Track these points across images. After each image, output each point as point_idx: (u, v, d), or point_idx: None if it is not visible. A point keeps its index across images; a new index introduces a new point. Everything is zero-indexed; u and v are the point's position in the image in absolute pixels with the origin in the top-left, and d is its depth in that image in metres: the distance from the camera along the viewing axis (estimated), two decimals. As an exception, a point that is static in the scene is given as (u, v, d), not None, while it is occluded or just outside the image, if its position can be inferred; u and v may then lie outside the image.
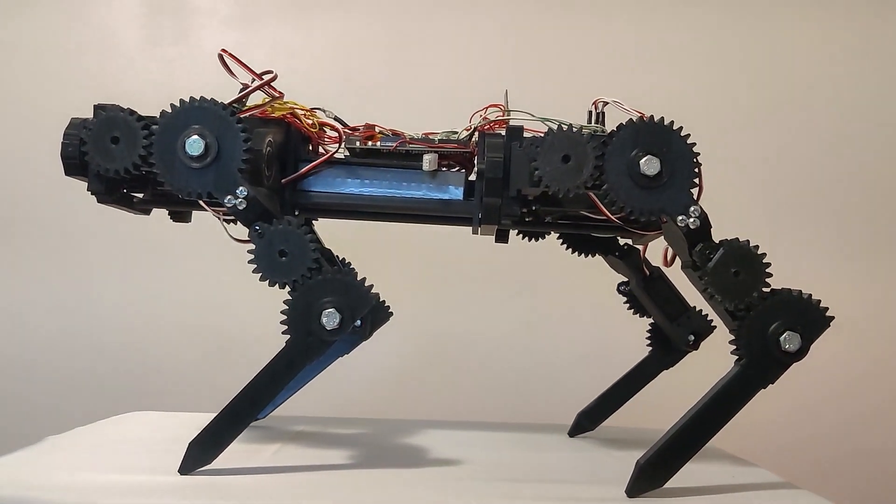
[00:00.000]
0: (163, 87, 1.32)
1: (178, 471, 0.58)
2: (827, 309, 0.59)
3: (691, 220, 0.58)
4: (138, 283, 1.29)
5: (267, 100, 0.66)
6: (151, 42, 1.35)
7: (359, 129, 0.70)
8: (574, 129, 0.58)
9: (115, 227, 1.21)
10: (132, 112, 0.59)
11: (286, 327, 0.59)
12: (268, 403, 0.61)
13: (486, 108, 0.70)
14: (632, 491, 0.58)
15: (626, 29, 1.32)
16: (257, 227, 0.57)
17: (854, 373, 1.27)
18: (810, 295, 0.59)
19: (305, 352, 0.59)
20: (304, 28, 1.35)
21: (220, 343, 1.29)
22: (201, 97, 0.58)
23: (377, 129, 0.69)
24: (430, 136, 0.69)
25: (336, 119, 0.71)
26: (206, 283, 1.28)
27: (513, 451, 0.75)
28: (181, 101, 0.58)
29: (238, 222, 0.61)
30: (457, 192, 0.67)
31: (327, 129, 0.70)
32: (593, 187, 0.58)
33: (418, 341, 1.26)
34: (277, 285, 0.58)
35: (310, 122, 0.68)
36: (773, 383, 0.59)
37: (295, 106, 0.67)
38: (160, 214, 0.72)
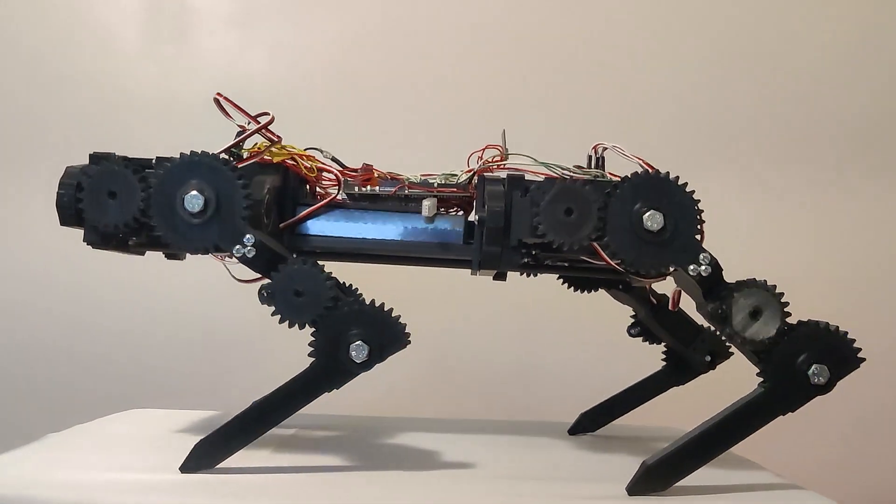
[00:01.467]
0: (162, 87, 1.32)
1: (180, 469, 0.58)
2: (860, 350, 0.59)
3: (703, 267, 0.58)
4: (138, 279, 1.28)
5: (264, 143, 0.66)
6: (150, 41, 1.35)
7: (356, 171, 0.69)
8: (576, 180, 0.58)
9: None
10: (131, 166, 0.58)
11: (312, 349, 0.58)
12: (280, 421, 0.60)
13: (484, 148, 0.70)
14: (633, 489, 0.58)
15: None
16: (265, 292, 0.57)
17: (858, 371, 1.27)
18: (845, 331, 0.60)
19: (327, 378, 0.58)
20: (303, 27, 1.35)
21: (221, 341, 1.28)
22: (193, 152, 0.58)
23: (375, 173, 0.68)
24: (429, 179, 0.68)
25: (333, 160, 0.70)
26: (206, 279, 1.27)
27: (513, 448, 0.75)
28: (171, 160, 0.57)
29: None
30: (456, 236, 0.67)
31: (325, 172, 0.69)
32: (596, 238, 0.58)
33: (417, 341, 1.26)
34: (300, 325, 0.58)
35: (307, 164, 0.67)
36: (793, 411, 0.60)
37: (292, 150, 0.66)
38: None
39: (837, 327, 0.60)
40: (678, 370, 0.80)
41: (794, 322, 0.59)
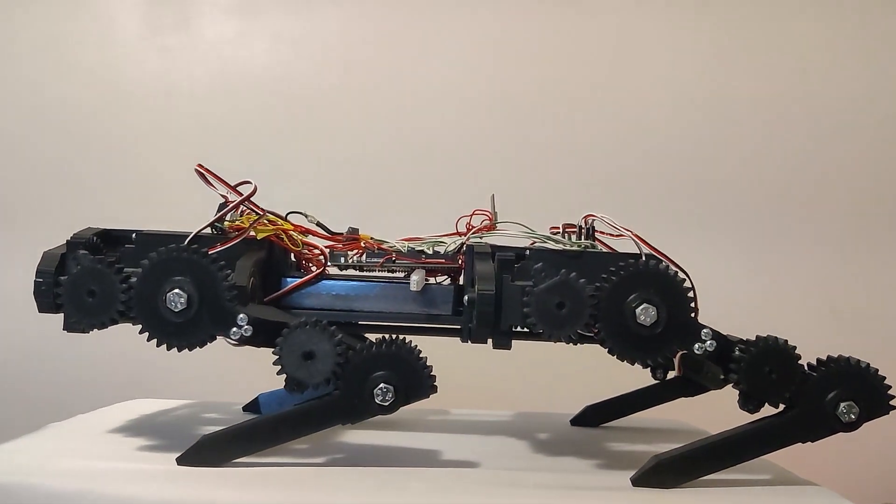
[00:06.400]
0: (162, 77, 1.32)
1: (177, 460, 0.57)
2: (893, 397, 0.59)
3: (707, 343, 0.58)
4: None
5: (246, 213, 0.64)
6: (151, 31, 1.34)
7: (342, 236, 0.68)
8: (571, 275, 0.56)
9: (116, 215, 1.21)
10: (112, 270, 0.56)
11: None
12: (289, 441, 0.59)
13: (472, 214, 0.69)
14: (638, 481, 0.58)
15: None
16: (294, 385, 0.55)
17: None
18: (877, 370, 0.59)
19: (347, 412, 0.57)
20: (304, 18, 1.34)
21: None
22: (170, 247, 0.56)
23: (361, 242, 0.67)
24: (416, 246, 0.67)
25: (318, 224, 0.68)
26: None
27: (515, 439, 0.75)
28: (144, 262, 0.56)
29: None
30: (445, 307, 0.65)
31: (310, 235, 0.68)
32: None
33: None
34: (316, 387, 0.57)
35: (292, 235, 0.66)
36: (812, 442, 0.60)
37: (276, 224, 0.64)
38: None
39: (877, 370, 0.59)
40: (691, 385, 0.78)
41: (832, 357, 0.60)
